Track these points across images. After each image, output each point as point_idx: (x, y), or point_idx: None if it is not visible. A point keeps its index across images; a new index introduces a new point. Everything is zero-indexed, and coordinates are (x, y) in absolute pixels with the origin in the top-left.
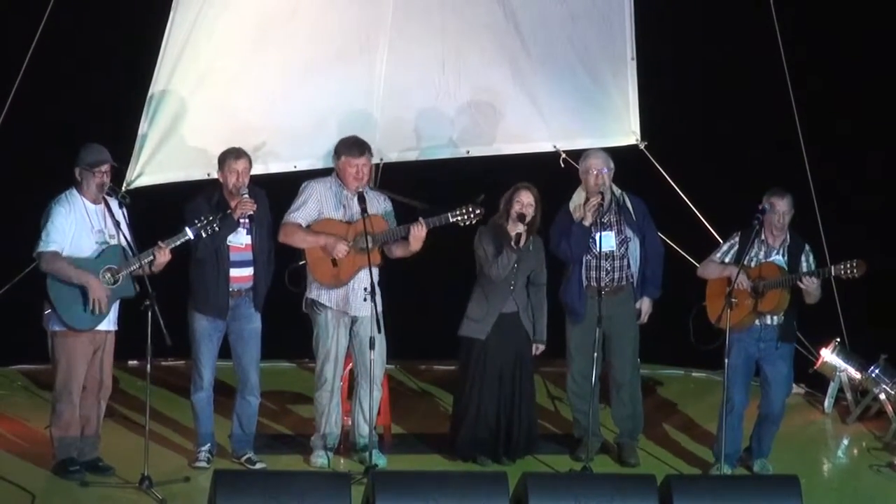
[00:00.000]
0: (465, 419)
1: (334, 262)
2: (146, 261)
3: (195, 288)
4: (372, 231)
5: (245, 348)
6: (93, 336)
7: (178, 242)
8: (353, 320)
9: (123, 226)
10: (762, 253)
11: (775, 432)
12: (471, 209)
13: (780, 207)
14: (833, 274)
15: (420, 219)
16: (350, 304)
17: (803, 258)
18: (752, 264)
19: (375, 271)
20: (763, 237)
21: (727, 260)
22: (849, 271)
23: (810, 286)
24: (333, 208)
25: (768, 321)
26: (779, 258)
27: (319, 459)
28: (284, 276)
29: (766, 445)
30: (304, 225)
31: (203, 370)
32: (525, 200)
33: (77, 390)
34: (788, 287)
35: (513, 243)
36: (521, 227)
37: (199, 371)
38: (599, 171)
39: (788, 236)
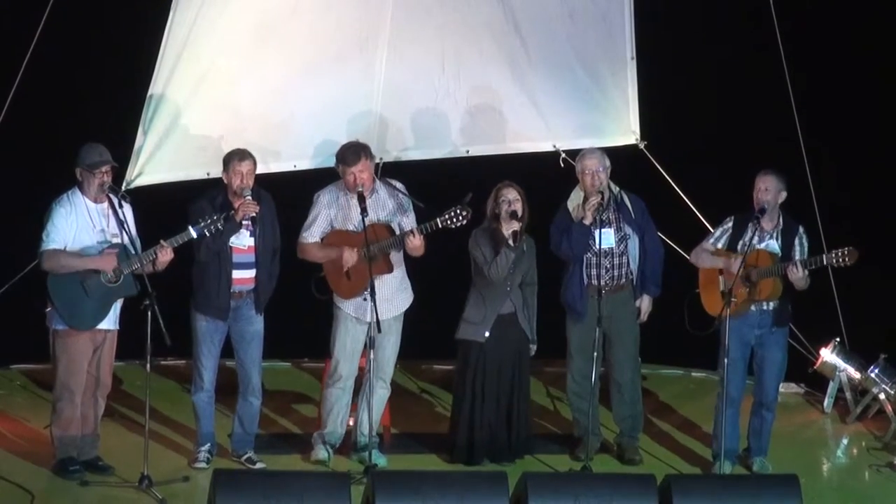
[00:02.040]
0: (465, 422)
1: (348, 275)
2: (148, 259)
3: (197, 289)
4: (375, 240)
5: (246, 350)
6: (93, 335)
7: (181, 241)
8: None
9: (127, 225)
10: (756, 238)
11: (772, 423)
12: (459, 210)
13: (762, 185)
14: (825, 263)
15: (412, 229)
16: (366, 312)
17: (796, 241)
18: (747, 250)
19: (386, 277)
20: (752, 220)
21: (720, 246)
22: (841, 259)
23: (794, 276)
24: (343, 217)
25: (764, 307)
26: (773, 243)
27: (320, 453)
28: (311, 286)
29: (765, 441)
30: (318, 239)
31: (204, 371)
32: (511, 197)
33: (78, 389)
34: (780, 275)
35: (509, 242)
36: (515, 225)
37: (199, 372)
38: (596, 171)
39: (782, 220)
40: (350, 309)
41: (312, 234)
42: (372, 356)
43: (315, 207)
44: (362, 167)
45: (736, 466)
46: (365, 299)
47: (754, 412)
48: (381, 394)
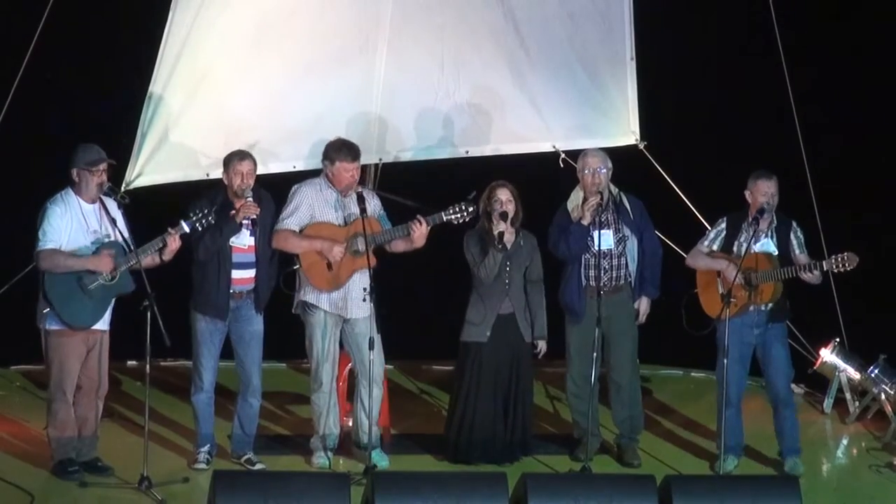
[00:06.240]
0: (460, 422)
1: (329, 267)
2: (155, 249)
3: (196, 288)
4: (369, 232)
5: (246, 350)
6: (87, 335)
7: (178, 234)
8: (346, 321)
9: (120, 224)
10: (752, 238)
11: (793, 420)
12: (463, 207)
13: (767, 189)
14: (825, 269)
15: (419, 217)
16: (347, 307)
17: (792, 236)
18: (744, 250)
19: (365, 271)
20: (751, 221)
21: (715, 248)
22: (841, 264)
23: (812, 280)
24: (326, 211)
25: (763, 307)
26: (768, 242)
27: (320, 460)
28: (279, 280)
29: (791, 439)
30: (297, 230)
31: (203, 372)
32: (503, 198)
33: (71, 389)
34: (782, 279)
35: (496, 243)
36: (503, 226)
37: (199, 372)
38: (596, 171)
39: (775, 218)
40: (325, 305)
41: (292, 223)
42: (372, 357)
43: (296, 198)
44: (358, 164)
45: (742, 458)
46: (364, 300)
47: (774, 414)
48: (377, 393)
